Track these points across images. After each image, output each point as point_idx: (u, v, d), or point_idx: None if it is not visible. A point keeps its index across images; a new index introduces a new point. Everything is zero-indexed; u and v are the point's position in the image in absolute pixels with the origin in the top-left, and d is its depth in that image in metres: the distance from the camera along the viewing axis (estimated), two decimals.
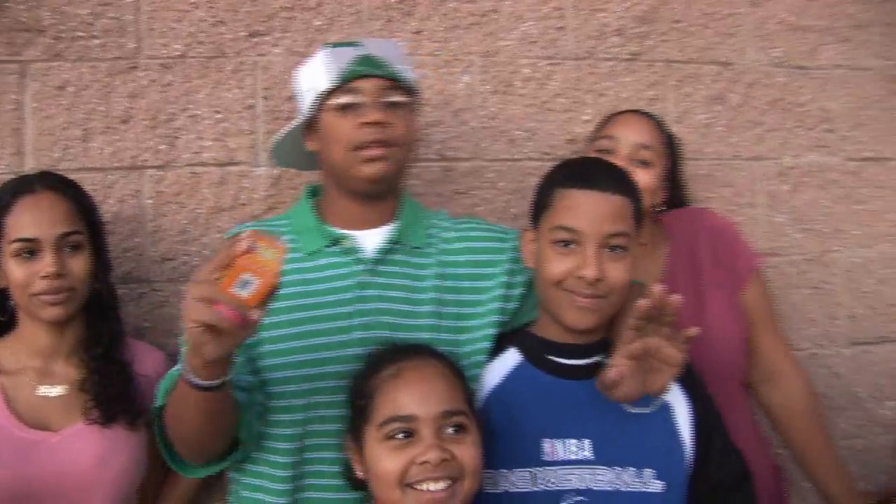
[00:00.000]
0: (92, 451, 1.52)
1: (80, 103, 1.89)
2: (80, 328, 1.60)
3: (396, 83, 1.55)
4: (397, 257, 1.58)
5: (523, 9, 2.15)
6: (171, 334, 1.84)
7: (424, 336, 1.50)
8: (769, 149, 2.34)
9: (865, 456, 2.36)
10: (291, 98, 1.86)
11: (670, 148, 1.88)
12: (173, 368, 1.41)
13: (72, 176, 1.67)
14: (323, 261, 1.56)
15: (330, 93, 1.54)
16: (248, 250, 1.13)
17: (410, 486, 1.22)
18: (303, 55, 1.73)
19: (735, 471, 1.49)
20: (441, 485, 1.22)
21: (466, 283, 1.59)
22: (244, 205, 1.95)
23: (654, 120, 1.89)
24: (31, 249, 1.52)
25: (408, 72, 1.59)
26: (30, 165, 1.85)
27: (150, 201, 1.91)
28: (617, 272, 1.40)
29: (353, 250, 1.56)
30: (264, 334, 1.50)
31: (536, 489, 1.41)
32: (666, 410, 1.46)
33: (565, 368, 1.47)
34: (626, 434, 1.43)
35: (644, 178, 1.76)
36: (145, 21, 1.92)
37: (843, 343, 2.38)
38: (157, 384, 1.43)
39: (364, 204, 1.58)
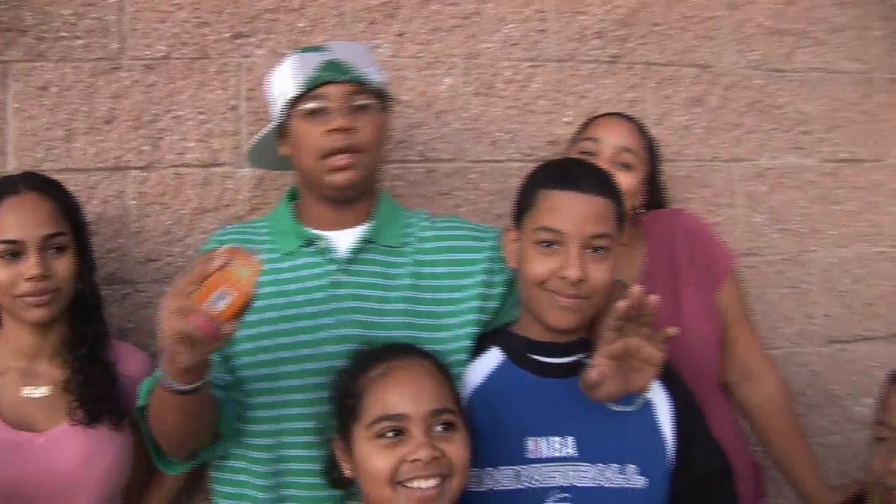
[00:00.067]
0: (77, 452, 1.52)
1: (62, 104, 1.88)
2: (63, 329, 1.60)
3: (363, 87, 1.57)
4: (371, 256, 1.60)
5: (505, 11, 2.17)
6: (154, 335, 1.79)
7: (397, 334, 1.51)
8: (747, 150, 2.37)
9: (842, 452, 2.39)
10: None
11: (651, 151, 1.90)
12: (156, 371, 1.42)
13: (55, 177, 1.66)
14: (298, 261, 1.59)
15: (298, 99, 1.56)
16: (223, 266, 1.17)
17: (401, 483, 1.23)
18: (286, 57, 1.74)
19: (716, 466, 1.51)
20: (431, 482, 1.23)
21: (444, 282, 1.60)
22: (228, 206, 1.95)
23: (637, 124, 1.91)
24: (14, 251, 1.51)
25: (376, 74, 1.60)
26: (12, 166, 1.84)
27: (133, 202, 1.90)
28: (599, 273, 1.42)
29: (326, 250, 1.59)
30: (240, 333, 1.50)
31: (521, 487, 1.42)
32: (647, 408, 1.48)
33: (547, 367, 1.49)
34: (608, 431, 1.44)
35: (625, 180, 1.78)
36: (128, 22, 1.92)
37: (821, 342, 2.41)
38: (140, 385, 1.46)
39: (336, 207, 1.61)
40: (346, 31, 2.04)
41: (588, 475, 1.42)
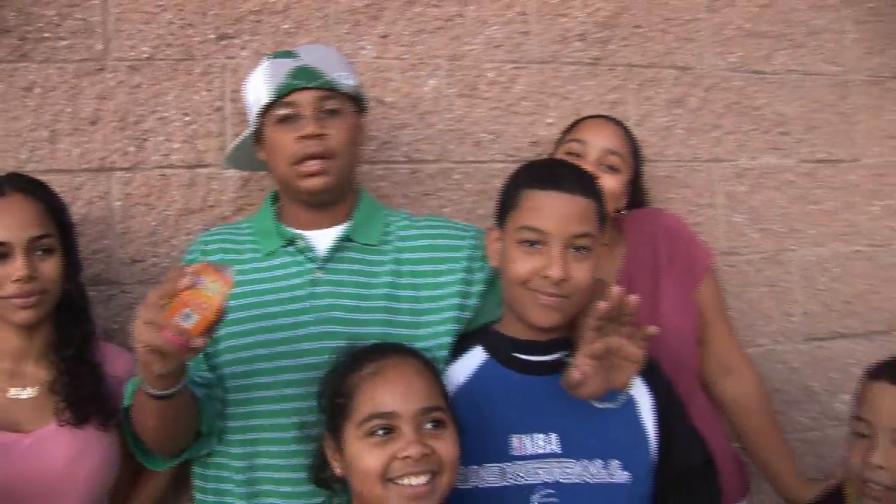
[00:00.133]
0: (64, 452, 1.52)
1: (46, 104, 1.87)
2: (50, 330, 1.60)
3: (334, 91, 1.59)
4: (350, 255, 1.62)
5: (488, 14, 2.18)
6: None
7: (377, 331, 1.54)
8: (727, 151, 2.39)
9: (820, 448, 2.42)
10: None
11: (635, 154, 1.93)
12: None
13: (39, 178, 1.66)
14: (278, 261, 1.62)
15: (270, 106, 1.59)
16: (193, 285, 1.20)
17: (392, 480, 1.25)
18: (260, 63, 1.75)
19: (698, 459, 1.53)
20: (422, 479, 1.24)
21: (424, 280, 1.63)
22: (213, 206, 1.95)
23: (623, 127, 1.93)
24: (1, 253, 1.51)
25: (348, 78, 1.63)
26: None
27: (118, 203, 1.90)
28: (581, 272, 1.43)
29: (306, 249, 1.61)
30: (222, 332, 1.53)
31: (506, 484, 1.43)
32: (630, 404, 1.49)
33: (530, 365, 1.50)
34: (591, 427, 1.46)
35: (610, 183, 1.81)
36: (113, 23, 1.91)
37: (799, 339, 2.44)
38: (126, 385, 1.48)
39: (313, 209, 1.64)
40: (331, 33, 2.05)
41: (572, 471, 1.43)
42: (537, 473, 1.43)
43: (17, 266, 1.50)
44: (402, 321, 1.59)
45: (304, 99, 1.57)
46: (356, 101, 1.66)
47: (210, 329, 1.22)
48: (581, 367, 1.37)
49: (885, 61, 2.60)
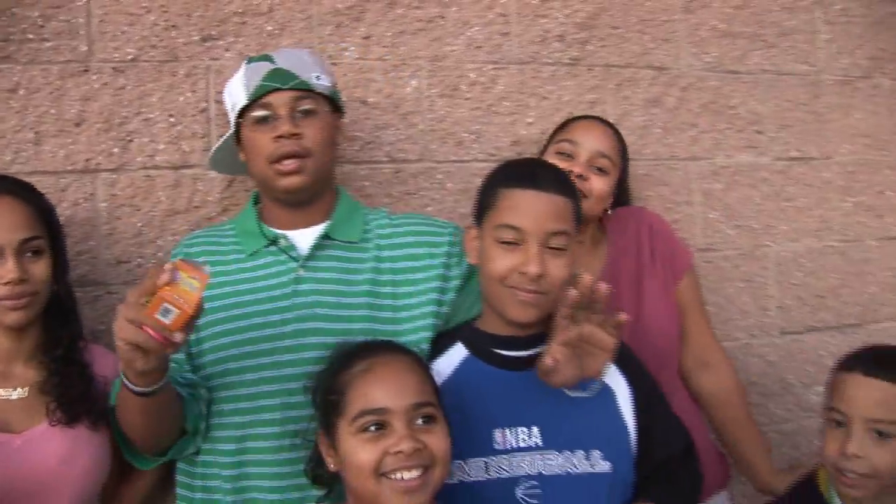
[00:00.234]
0: (56, 451, 1.52)
1: (31, 106, 1.87)
2: (38, 331, 1.60)
3: (309, 92, 1.63)
4: (331, 252, 1.66)
5: (469, 15, 2.20)
6: None
7: (361, 326, 1.57)
8: (703, 149, 2.43)
9: (795, 438, 2.46)
10: None
11: (624, 155, 1.96)
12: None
13: (24, 179, 1.66)
14: (261, 260, 1.65)
15: (247, 108, 1.63)
16: (171, 281, 1.24)
17: (385, 475, 1.26)
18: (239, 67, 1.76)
19: (678, 447, 1.56)
20: (414, 473, 1.26)
21: (403, 276, 1.66)
22: (198, 207, 1.96)
23: (613, 129, 1.95)
24: None
25: (322, 79, 1.66)
26: None
27: (104, 204, 1.90)
28: (557, 269, 1.45)
29: (289, 248, 1.65)
30: (205, 332, 1.59)
31: (490, 477, 1.45)
32: (608, 395, 1.52)
33: (510, 360, 1.53)
34: (571, 419, 1.48)
35: (599, 185, 1.84)
36: (97, 24, 1.92)
37: (775, 333, 2.49)
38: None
39: (293, 208, 1.67)
40: (314, 35, 2.07)
41: (555, 463, 1.46)
42: (521, 466, 1.46)
43: (7, 268, 1.50)
44: (385, 317, 1.62)
45: (280, 100, 1.61)
46: (332, 102, 1.69)
47: (189, 324, 1.26)
48: (553, 354, 1.39)
49: (856, 61, 2.65)
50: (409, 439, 1.26)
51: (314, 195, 1.68)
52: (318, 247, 1.65)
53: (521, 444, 1.47)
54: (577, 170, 1.83)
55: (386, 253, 1.68)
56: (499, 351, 1.54)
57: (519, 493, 1.45)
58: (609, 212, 1.95)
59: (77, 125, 1.90)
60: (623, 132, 2.03)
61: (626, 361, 1.54)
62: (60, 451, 1.52)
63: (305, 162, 1.61)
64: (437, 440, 1.30)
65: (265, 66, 1.63)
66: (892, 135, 2.70)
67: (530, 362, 1.49)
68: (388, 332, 1.57)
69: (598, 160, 1.87)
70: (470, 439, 1.45)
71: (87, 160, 1.90)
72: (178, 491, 1.66)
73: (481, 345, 1.55)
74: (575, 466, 1.46)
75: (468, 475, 1.46)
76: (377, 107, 2.11)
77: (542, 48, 2.27)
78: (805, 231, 2.55)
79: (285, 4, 2.05)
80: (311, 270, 1.63)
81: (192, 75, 1.97)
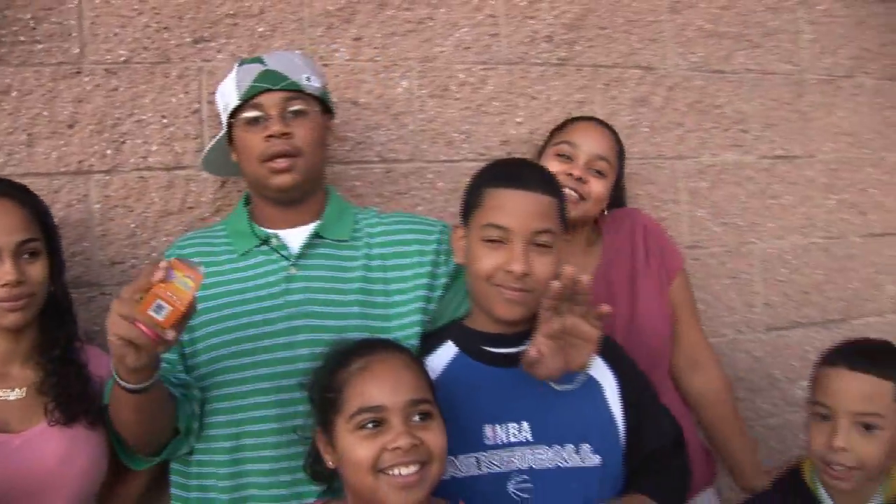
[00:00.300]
0: (55, 451, 1.53)
1: (23, 108, 1.87)
2: (35, 332, 1.61)
3: (299, 93, 1.65)
4: (322, 251, 1.68)
5: (458, 16, 2.22)
6: None
7: (353, 323, 1.60)
8: (689, 148, 2.45)
9: (781, 432, 2.50)
10: None
11: (621, 157, 1.98)
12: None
13: (17, 181, 1.66)
14: (253, 260, 1.67)
15: (239, 109, 1.66)
16: (165, 279, 1.25)
17: (383, 471, 1.28)
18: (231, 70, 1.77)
19: (668, 439, 1.58)
20: (412, 469, 1.28)
21: (394, 273, 1.68)
22: (192, 208, 1.97)
23: (611, 130, 1.97)
24: None
25: (312, 80, 1.69)
26: None
27: (97, 206, 1.90)
28: (543, 267, 1.47)
29: (280, 247, 1.67)
30: (198, 332, 1.61)
31: (482, 472, 1.47)
32: (596, 389, 1.54)
33: (499, 357, 1.54)
34: (561, 413, 1.50)
35: (597, 187, 1.86)
36: (89, 26, 1.92)
37: (761, 329, 2.52)
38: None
39: (284, 208, 1.69)
40: (305, 36, 2.08)
41: (545, 457, 1.48)
42: (512, 461, 1.48)
43: (5, 270, 1.51)
44: (376, 314, 1.64)
45: (270, 101, 1.64)
46: (323, 103, 1.72)
47: (181, 322, 1.27)
48: (538, 346, 1.41)
49: (838, 61, 2.69)
50: (407, 436, 1.28)
51: (305, 194, 1.70)
52: (309, 246, 1.67)
53: (512, 440, 1.49)
54: (576, 172, 1.85)
55: (376, 251, 1.70)
56: (488, 348, 1.55)
57: (510, 487, 1.46)
58: (605, 213, 1.97)
59: (70, 127, 1.90)
60: None
61: (612, 354, 1.56)
62: (59, 451, 1.53)
63: (296, 161, 1.63)
64: (434, 436, 1.32)
65: (256, 68, 1.66)
66: (875, 133, 2.75)
67: (518, 359, 1.50)
68: (379, 329, 1.59)
69: (597, 163, 1.88)
70: (461, 435, 1.46)
71: (80, 162, 1.91)
72: (173, 491, 1.67)
73: (471, 343, 1.57)
74: (565, 460, 1.48)
75: (460, 471, 1.47)
76: (368, 107, 2.13)
77: (530, 49, 2.29)
78: (790, 228, 2.58)
79: (277, 6, 2.06)
80: (302, 269, 1.65)
81: (185, 77, 1.98)
